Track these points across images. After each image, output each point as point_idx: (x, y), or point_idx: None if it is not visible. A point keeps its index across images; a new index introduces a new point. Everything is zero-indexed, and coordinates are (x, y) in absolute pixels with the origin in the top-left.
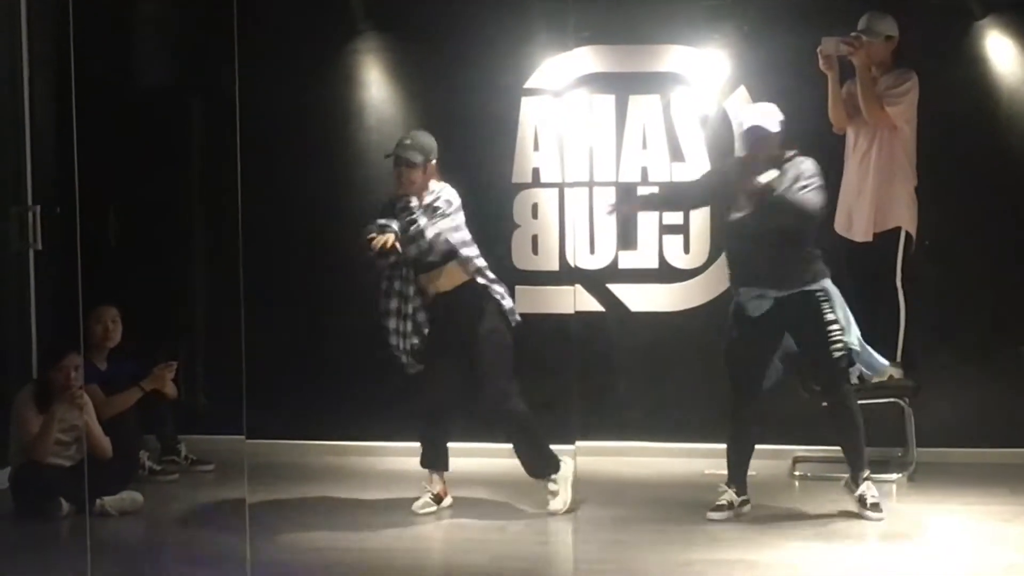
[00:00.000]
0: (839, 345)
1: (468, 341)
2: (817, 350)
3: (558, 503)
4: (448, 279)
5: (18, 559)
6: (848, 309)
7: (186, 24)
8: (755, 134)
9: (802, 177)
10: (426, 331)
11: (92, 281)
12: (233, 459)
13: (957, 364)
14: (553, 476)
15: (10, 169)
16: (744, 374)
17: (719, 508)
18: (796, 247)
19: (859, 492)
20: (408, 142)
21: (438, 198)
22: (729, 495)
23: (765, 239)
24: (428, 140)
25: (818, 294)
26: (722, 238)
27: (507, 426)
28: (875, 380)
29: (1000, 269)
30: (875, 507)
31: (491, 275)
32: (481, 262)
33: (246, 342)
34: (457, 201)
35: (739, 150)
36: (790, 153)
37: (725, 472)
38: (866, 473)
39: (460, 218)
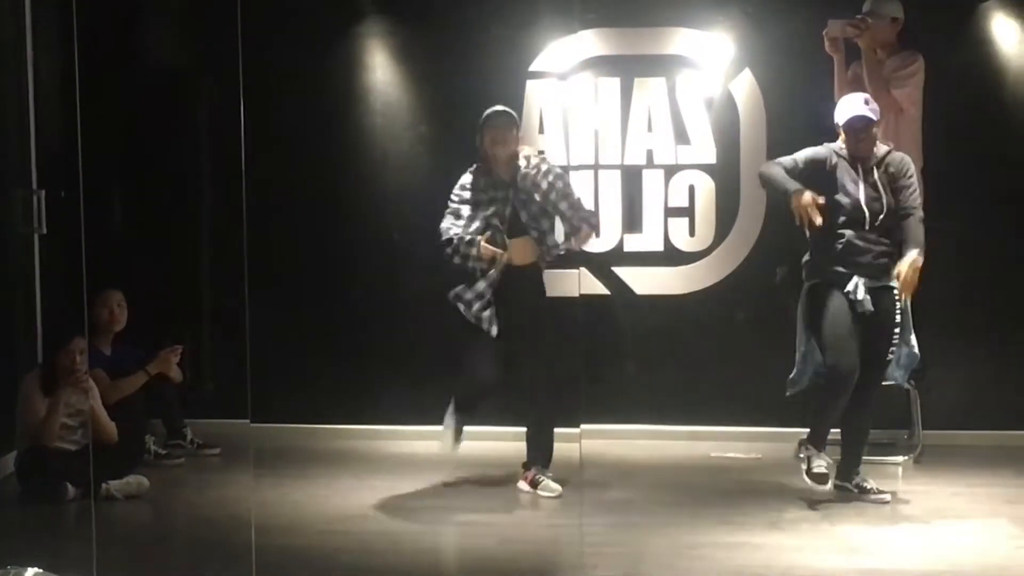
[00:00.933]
0: (895, 347)
1: (527, 321)
2: (876, 345)
3: (554, 487)
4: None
5: (24, 543)
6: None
7: (192, 5)
8: (859, 122)
9: (905, 174)
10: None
11: (98, 266)
12: (239, 443)
13: (963, 346)
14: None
15: (15, 153)
16: (844, 359)
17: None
18: (890, 241)
19: (856, 482)
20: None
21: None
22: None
23: (871, 229)
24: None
25: (895, 292)
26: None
27: (538, 412)
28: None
29: (1007, 250)
30: (879, 491)
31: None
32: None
33: (251, 326)
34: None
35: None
36: (886, 148)
37: (733, 455)
38: (858, 469)
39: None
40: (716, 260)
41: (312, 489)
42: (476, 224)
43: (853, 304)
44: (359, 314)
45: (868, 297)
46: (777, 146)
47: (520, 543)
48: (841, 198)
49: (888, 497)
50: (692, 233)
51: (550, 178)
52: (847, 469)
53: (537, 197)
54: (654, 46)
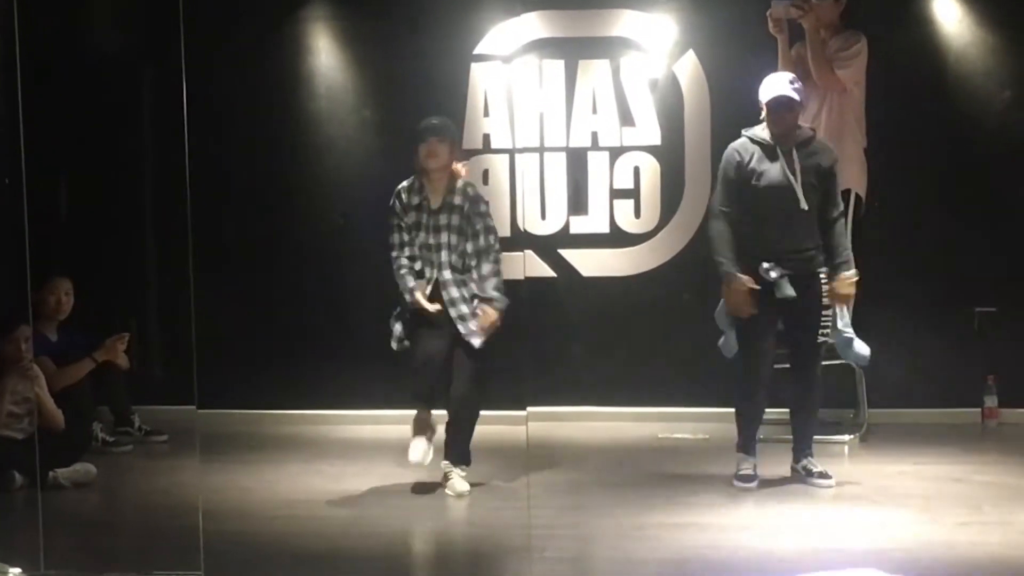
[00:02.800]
0: (826, 331)
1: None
2: (804, 332)
3: (465, 484)
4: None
5: None
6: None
7: None
8: (780, 104)
9: (827, 159)
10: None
11: (43, 253)
12: (186, 429)
13: (908, 325)
14: (465, 468)
15: None
16: (759, 350)
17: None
18: (814, 229)
19: (803, 464)
20: (436, 121)
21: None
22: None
23: (793, 214)
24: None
25: (823, 278)
26: (731, 217)
27: (453, 407)
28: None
29: (949, 229)
30: (823, 475)
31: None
32: None
33: (197, 312)
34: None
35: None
36: (808, 130)
37: (680, 436)
38: (811, 451)
39: None
40: (661, 242)
41: (260, 475)
42: (407, 252)
43: (771, 290)
44: (305, 299)
45: (784, 281)
46: (721, 126)
47: (468, 526)
48: (758, 184)
49: (831, 483)
50: (637, 215)
51: (478, 226)
52: (795, 451)
53: (463, 238)
54: (598, 28)
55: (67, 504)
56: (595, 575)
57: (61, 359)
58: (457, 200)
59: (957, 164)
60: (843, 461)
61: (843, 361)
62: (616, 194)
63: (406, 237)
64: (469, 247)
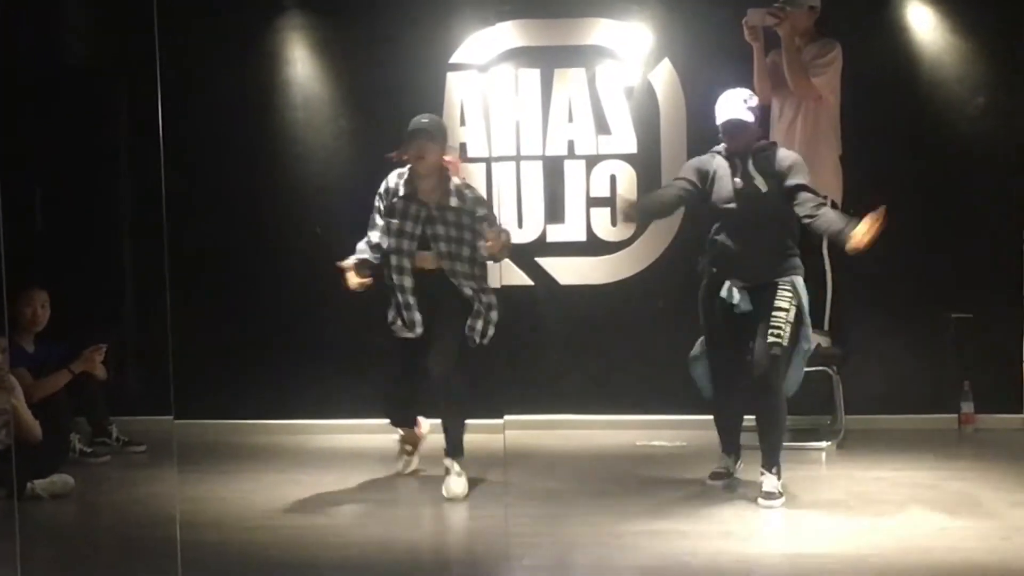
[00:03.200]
0: (778, 333)
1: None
2: (761, 339)
3: (460, 487)
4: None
5: None
6: (808, 315)
7: (108, 1)
8: (734, 127)
9: (786, 162)
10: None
11: (20, 264)
12: (164, 439)
13: (884, 332)
14: (461, 460)
15: None
16: (725, 362)
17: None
18: (776, 242)
19: (762, 474)
20: (426, 120)
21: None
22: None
23: (750, 233)
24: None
25: (782, 286)
26: (703, 230)
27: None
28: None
29: (925, 237)
30: (769, 495)
31: None
32: None
33: (173, 322)
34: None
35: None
36: (765, 143)
37: (658, 443)
38: (774, 469)
39: None
40: (638, 250)
41: (237, 484)
42: (389, 241)
43: (731, 306)
44: (282, 309)
45: (742, 296)
46: (697, 135)
47: (447, 535)
48: (718, 201)
49: (771, 504)
50: (614, 223)
51: (477, 214)
52: (763, 459)
53: (455, 230)
54: (573, 37)
55: (45, 515)
56: None
57: (38, 370)
58: (453, 202)
59: (932, 170)
60: (820, 467)
61: (820, 368)
62: (593, 202)
63: (379, 221)
64: (465, 251)
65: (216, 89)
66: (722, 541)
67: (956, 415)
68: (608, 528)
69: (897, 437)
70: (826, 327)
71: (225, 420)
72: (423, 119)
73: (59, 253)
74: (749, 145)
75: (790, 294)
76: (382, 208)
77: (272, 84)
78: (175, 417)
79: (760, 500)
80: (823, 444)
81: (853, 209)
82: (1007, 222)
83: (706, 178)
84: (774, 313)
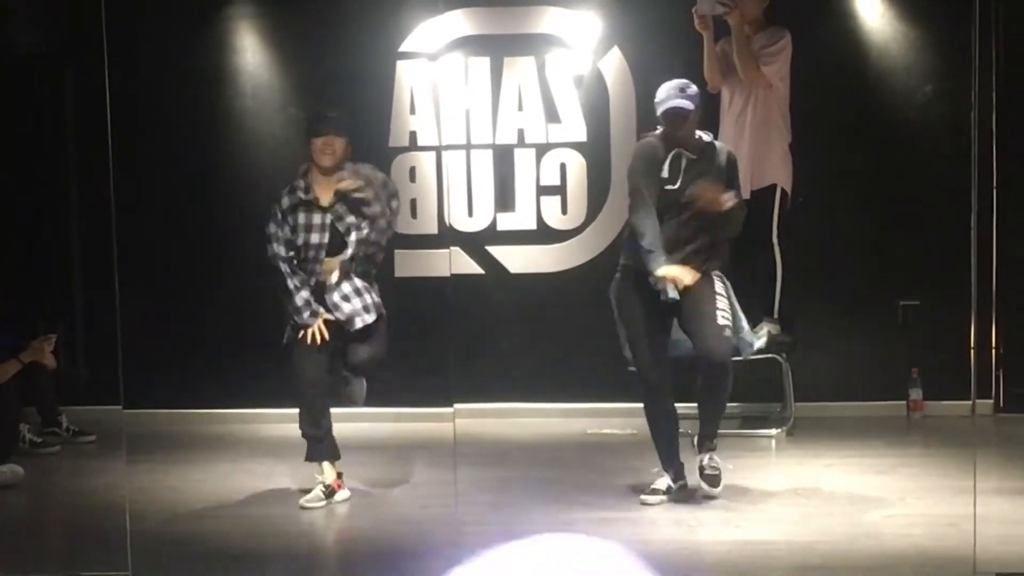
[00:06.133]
0: (726, 316)
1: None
2: (705, 323)
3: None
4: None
5: None
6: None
7: None
8: (676, 115)
9: (723, 158)
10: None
11: None
12: (114, 429)
13: (833, 319)
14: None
15: None
16: (651, 355)
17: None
18: (710, 233)
19: (701, 458)
20: (333, 114)
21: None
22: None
23: (685, 224)
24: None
25: (716, 275)
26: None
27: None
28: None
29: (873, 224)
30: (713, 480)
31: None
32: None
33: (122, 313)
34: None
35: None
36: (707, 137)
37: (608, 431)
38: (714, 444)
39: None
40: (588, 238)
41: (188, 474)
42: (289, 251)
43: (658, 293)
44: (230, 297)
45: (669, 286)
46: (646, 123)
47: (396, 523)
48: (649, 185)
49: (718, 491)
50: (564, 211)
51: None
52: (701, 443)
53: (360, 220)
54: (523, 25)
55: None
56: None
57: None
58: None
59: (881, 158)
60: (770, 455)
61: (769, 355)
62: (543, 191)
63: (287, 237)
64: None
65: (164, 78)
66: (672, 528)
67: (905, 402)
68: (558, 516)
69: (846, 424)
70: (775, 315)
71: (175, 409)
72: (330, 112)
73: (5, 243)
74: (689, 135)
75: (722, 283)
76: (286, 209)
77: (221, 73)
78: (125, 407)
79: (705, 486)
80: (772, 432)
81: (803, 198)
82: (954, 209)
83: (654, 162)
84: (718, 298)
